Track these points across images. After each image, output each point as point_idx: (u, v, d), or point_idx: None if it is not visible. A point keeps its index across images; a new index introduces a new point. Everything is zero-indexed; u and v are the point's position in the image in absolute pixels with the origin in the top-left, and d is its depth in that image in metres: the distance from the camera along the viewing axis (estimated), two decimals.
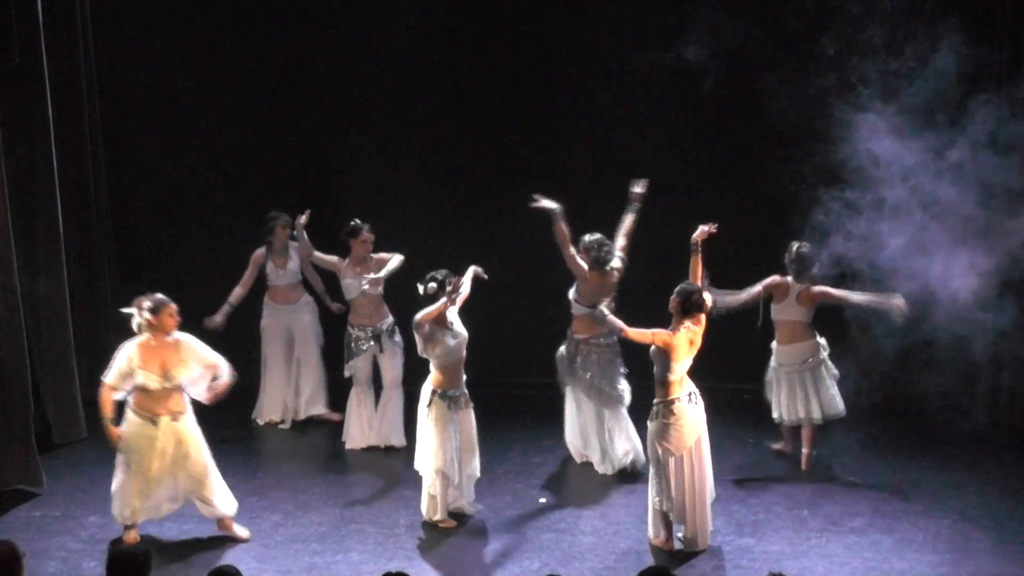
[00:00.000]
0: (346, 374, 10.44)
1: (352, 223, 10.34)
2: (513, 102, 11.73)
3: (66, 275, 10.32)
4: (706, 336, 11.28)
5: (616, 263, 9.73)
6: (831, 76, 9.94)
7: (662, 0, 10.95)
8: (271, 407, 10.96)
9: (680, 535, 8.48)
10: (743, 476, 9.77)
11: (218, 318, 10.63)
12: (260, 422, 10.98)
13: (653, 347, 8.37)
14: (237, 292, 10.81)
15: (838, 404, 9.87)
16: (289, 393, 10.95)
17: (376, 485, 9.66)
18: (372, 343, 10.27)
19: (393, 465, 10.02)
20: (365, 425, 10.37)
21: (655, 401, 8.46)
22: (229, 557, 8.22)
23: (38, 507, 9.19)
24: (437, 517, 8.80)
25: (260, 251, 10.86)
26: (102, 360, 11.22)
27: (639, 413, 9.77)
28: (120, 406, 8.54)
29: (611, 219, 10.87)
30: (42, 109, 9.95)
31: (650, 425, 8.47)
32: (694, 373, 11.37)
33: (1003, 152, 9.57)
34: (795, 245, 9.79)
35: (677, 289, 8.48)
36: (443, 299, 8.68)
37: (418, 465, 8.89)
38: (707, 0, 10.37)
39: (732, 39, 10.55)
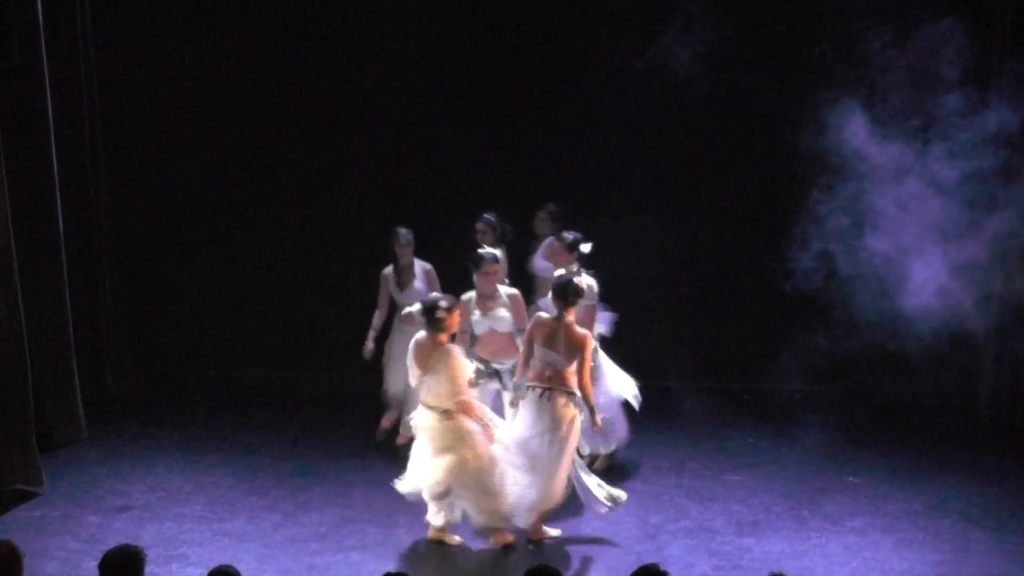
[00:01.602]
0: None
1: (479, 254, 9.28)
2: (512, 104, 11.74)
3: (66, 275, 10.31)
4: (705, 336, 11.35)
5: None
6: (828, 77, 9.95)
7: (661, 2, 10.96)
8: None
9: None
10: (743, 476, 9.77)
11: (369, 344, 10.18)
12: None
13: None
14: (377, 316, 10.20)
15: None
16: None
17: (376, 485, 9.65)
18: (492, 379, 9.32)
19: (393, 465, 10.01)
20: None
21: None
22: (229, 557, 8.19)
23: (38, 507, 9.18)
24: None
25: (387, 270, 10.20)
26: (102, 360, 11.34)
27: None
28: None
29: (608, 219, 10.91)
30: (42, 109, 9.95)
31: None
32: (693, 372, 11.49)
33: (1001, 151, 9.59)
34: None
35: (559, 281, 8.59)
36: None
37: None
38: (705, 2, 10.40)
39: (729, 40, 10.59)
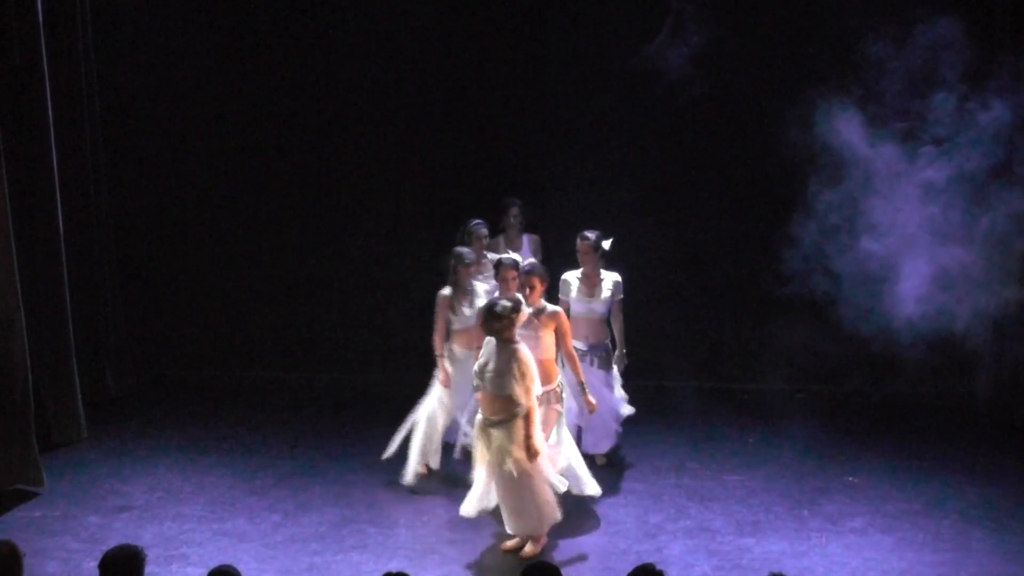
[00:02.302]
0: None
1: (500, 259, 9.34)
2: (511, 103, 11.73)
3: (66, 275, 10.32)
4: (704, 336, 11.28)
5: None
6: (826, 76, 9.95)
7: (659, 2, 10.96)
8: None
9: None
10: (743, 476, 9.77)
11: (447, 372, 9.54)
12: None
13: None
14: (439, 343, 9.55)
15: None
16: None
17: (376, 485, 9.66)
18: None
19: (393, 465, 10.02)
20: None
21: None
22: (229, 557, 8.20)
23: (38, 507, 9.19)
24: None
25: (446, 291, 9.55)
26: (102, 360, 11.35)
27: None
28: None
29: (609, 218, 10.90)
30: (42, 109, 9.96)
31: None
32: (693, 372, 11.49)
33: (1000, 150, 9.58)
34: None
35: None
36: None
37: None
38: (702, 2, 10.42)
39: (727, 40, 10.60)
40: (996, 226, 10.15)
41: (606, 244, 9.65)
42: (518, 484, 8.20)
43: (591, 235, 9.67)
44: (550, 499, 8.33)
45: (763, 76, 10.70)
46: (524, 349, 8.26)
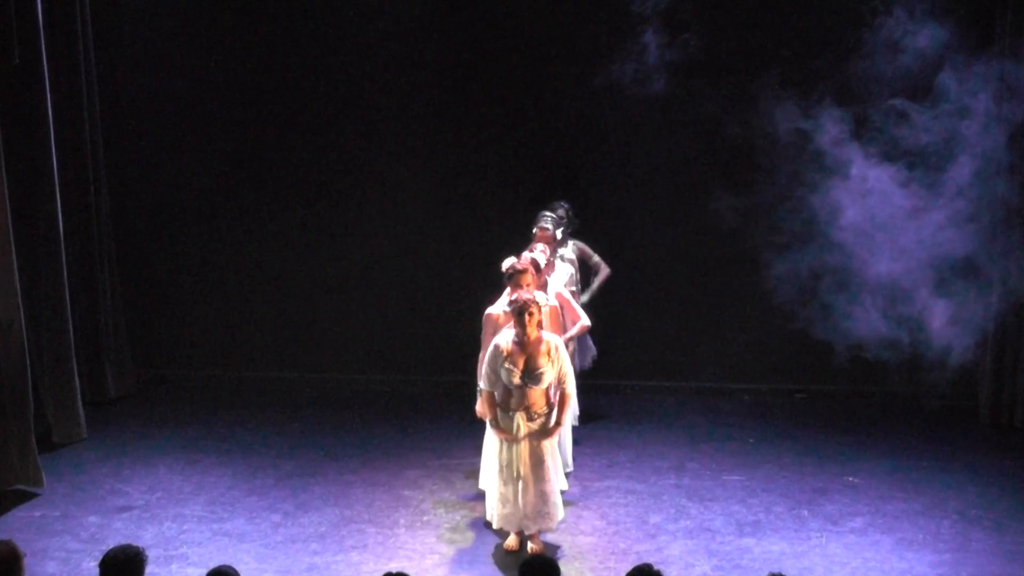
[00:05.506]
0: None
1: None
2: (510, 104, 11.72)
3: (66, 275, 10.32)
4: (704, 336, 11.28)
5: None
6: (828, 75, 9.95)
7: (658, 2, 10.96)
8: None
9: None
10: (743, 476, 9.77)
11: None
12: None
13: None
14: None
15: None
16: None
17: (376, 485, 9.66)
18: None
19: (393, 465, 10.03)
20: None
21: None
22: (229, 557, 8.21)
23: (38, 507, 9.19)
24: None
25: (496, 310, 8.89)
26: (102, 360, 11.35)
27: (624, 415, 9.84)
28: None
29: (610, 218, 10.91)
30: (42, 109, 9.95)
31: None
32: (694, 373, 11.47)
33: (1000, 148, 9.59)
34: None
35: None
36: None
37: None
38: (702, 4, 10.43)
39: (727, 41, 10.60)
40: (997, 225, 10.16)
41: (541, 259, 9.30)
42: (547, 475, 8.25)
43: (548, 225, 9.56)
44: (559, 494, 8.43)
45: (764, 75, 10.67)
46: (553, 337, 8.26)
